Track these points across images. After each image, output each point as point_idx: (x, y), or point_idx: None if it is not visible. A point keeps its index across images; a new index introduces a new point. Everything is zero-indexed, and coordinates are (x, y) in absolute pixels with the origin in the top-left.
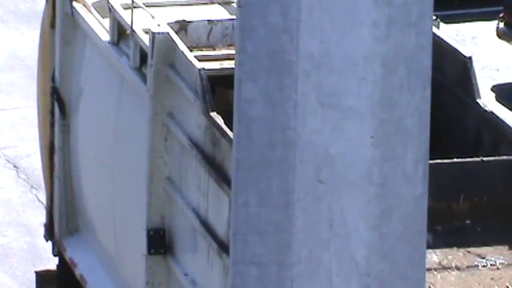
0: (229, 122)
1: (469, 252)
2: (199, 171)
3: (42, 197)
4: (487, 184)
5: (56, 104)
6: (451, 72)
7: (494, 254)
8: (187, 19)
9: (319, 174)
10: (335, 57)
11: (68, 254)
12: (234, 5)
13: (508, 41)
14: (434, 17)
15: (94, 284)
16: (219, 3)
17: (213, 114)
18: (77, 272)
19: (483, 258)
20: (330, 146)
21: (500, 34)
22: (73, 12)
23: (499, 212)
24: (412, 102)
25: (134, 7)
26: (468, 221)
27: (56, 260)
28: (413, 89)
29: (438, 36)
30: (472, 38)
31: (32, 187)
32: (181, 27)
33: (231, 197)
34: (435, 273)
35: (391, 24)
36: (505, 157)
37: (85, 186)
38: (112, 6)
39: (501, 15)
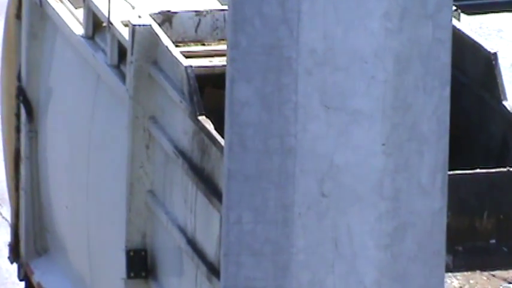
0: (220, 127)
1: (493, 276)
2: (185, 183)
3: (7, 213)
4: None
5: (22, 106)
6: (474, 71)
7: None
8: (172, 10)
9: (323, 186)
10: (340, 53)
11: (36, 278)
12: None
13: None
14: (454, 8)
15: None
16: None
17: (202, 118)
18: None
19: (510, 282)
20: (335, 154)
21: None
22: (42, 1)
23: None
24: (429, 104)
25: None
26: (493, 240)
27: (22, 284)
28: (430, 89)
29: (458, 30)
30: (498, 31)
31: None
32: (166, 19)
33: (222, 212)
34: None
35: (405, 16)
36: None
37: (55, 200)
38: None
39: None
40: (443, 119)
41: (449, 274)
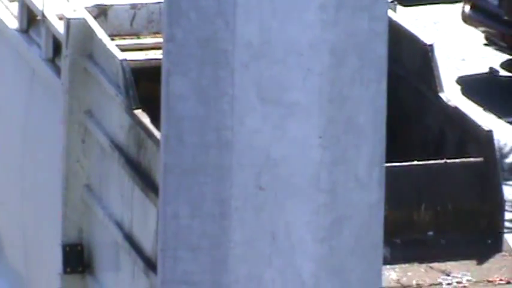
0: (156, 121)
1: (431, 268)
2: (122, 177)
3: None
4: (452, 190)
5: None
6: (410, 63)
7: (461, 270)
8: (107, 3)
9: (260, 180)
10: (277, 45)
11: None
12: None
13: (475, 27)
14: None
15: None
16: None
17: (138, 111)
18: None
19: (448, 274)
20: (272, 147)
21: (466, 19)
22: None
23: (466, 222)
24: (366, 96)
25: None
26: (431, 233)
27: None
28: (367, 81)
29: (395, 21)
30: (434, 23)
31: None
32: (101, 12)
33: (159, 207)
34: None
35: (341, 8)
36: (471, 159)
37: None
38: None
39: None
40: (380, 111)
41: (387, 266)
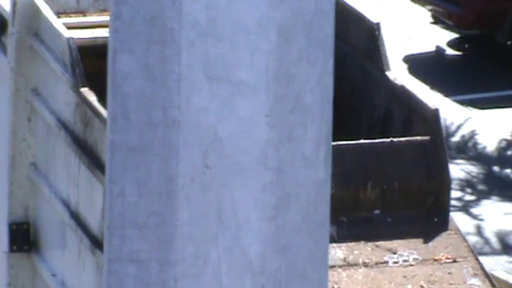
0: (102, 99)
1: (378, 246)
2: (68, 155)
3: None
4: (398, 168)
5: None
6: (357, 41)
7: (407, 249)
8: None
9: (207, 158)
10: (224, 24)
11: None
12: None
13: (421, 5)
14: None
15: None
16: None
17: (84, 89)
18: None
19: (394, 253)
20: (219, 126)
21: None
22: None
23: (412, 201)
24: (313, 75)
25: None
26: (377, 211)
27: None
28: (314, 60)
29: (342, 0)
30: (381, 1)
31: None
32: None
33: (106, 185)
34: (340, 270)
35: None
36: (418, 137)
37: None
38: None
39: None
40: (327, 90)
41: (334, 245)
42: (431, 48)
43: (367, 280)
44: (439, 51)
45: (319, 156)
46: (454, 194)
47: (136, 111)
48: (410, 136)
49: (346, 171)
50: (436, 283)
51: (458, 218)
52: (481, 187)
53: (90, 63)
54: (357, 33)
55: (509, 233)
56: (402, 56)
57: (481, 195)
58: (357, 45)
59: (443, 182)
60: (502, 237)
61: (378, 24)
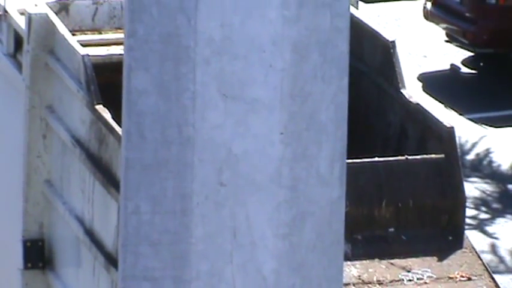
0: (117, 117)
1: (392, 264)
2: (83, 172)
3: None
4: (413, 186)
5: None
6: (372, 59)
7: (421, 267)
8: None
9: (221, 175)
10: (238, 41)
11: None
12: None
13: (436, 23)
14: None
15: None
16: None
17: (99, 107)
18: None
19: (408, 271)
20: (233, 143)
21: (428, 15)
22: None
23: (427, 219)
24: (328, 93)
25: None
26: (392, 229)
27: None
28: (329, 78)
29: (357, 18)
30: (396, 19)
31: None
32: (62, 7)
33: (120, 202)
34: None
35: (303, 4)
36: (433, 155)
37: None
38: None
39: None
40: (342, 107)
41: (348, 263)
42: (446, 66)
43: None
44: (454, 69)
45: (333, 174)
46: (469, 212)
47: (151, 128)
48: (425, 154)
49: (361, 189)
50: None
51: (472, 236)
52: (495, 205)
53: (105, 77)
54: (372, 51)
55: None
56: (417, 74)
57: (496, 214)
58: (372, 63)
59: (458, 200)
60: None
61: (393, 42)
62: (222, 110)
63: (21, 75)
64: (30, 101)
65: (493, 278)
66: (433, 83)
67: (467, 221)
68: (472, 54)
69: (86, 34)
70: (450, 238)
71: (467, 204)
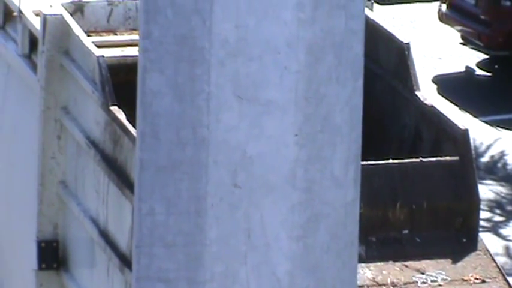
0: (132, 118)
1: (406, 266)
2: (97, 173)
3: None
4: (427, 188)
5: None
6: (387, 61)
7: (436, 269)
8: None
9: (236, 177)
10: (253, 43)
11: None
12: None
13: (451, 26)
14: None
15: None
16: None
17: (114, 108)
18: None
19: (423, 273)
20: (248, 145)
21: (443, 17)
22: None
23: (441, 221)
24: (342, 95)
25: None
26: (406, 231)
27: None
28: (343, 80)
29: (372, 20)
30: (411, 21)
31: None
32: (77, 8)
33: (135, 203)
34: None
35: (318, 6)
36: (447, 158)
37: None
38: None
39: None
40: (356, 109)
41: (362, 265)
42: (461, 68)
43: None
44: (468, 71)
45: (348, 176)
46: (483, 214)
47: (166, 130)
48: (440, 156)
49: (375, 191)
50: None
51: (487, 239)
52: (510, 208)
53: (120, 78)
54: (387, 53)
55: None
56: (432, 77)
57: (510, 216)
58: (386, 65)
59: (472, 202)
60: None
61: (407, 44)
62: (237, 111)
63: (36, 76)
64: (45, 102)
65: (507, 281)
66: (447, 85)
67: (482, 223)
68: (487, 56)
69: (100, 35)
70: (464, 240)
71: (482, 206)
